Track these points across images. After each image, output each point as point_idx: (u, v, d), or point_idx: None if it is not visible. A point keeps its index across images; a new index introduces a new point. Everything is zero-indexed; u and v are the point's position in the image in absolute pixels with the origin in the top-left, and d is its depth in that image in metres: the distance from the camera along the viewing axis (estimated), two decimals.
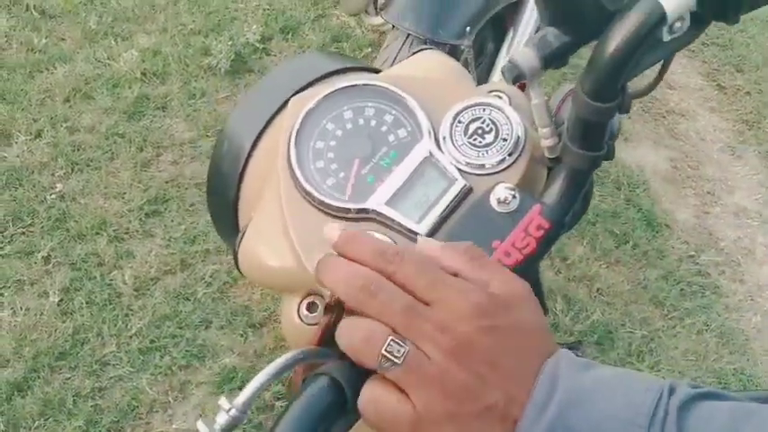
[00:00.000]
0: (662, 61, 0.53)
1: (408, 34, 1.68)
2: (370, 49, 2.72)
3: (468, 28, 1.66)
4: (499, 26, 1.86)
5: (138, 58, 2.48)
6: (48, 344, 1.76)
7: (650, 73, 0.60)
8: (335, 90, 0.65)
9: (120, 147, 2.20)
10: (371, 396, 0.46)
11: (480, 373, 0.44)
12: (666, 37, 0.49)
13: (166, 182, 2.14)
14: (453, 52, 1.86)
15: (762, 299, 2.19)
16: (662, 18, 0.47)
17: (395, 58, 1.70)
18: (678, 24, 0.49)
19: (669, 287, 2.13)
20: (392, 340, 0.44)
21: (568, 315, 1.99)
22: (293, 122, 0.63)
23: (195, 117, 2.34)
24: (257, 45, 2.62)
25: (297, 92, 0.68)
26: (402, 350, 0.44)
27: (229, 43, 2.55)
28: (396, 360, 0.44)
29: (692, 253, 2.26)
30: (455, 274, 0.47)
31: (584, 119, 0.53)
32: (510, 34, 1.85)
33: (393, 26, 1.72)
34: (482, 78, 1.91)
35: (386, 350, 0.44)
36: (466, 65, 1.86)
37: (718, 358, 2.01)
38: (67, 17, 2.63)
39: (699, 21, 0.49)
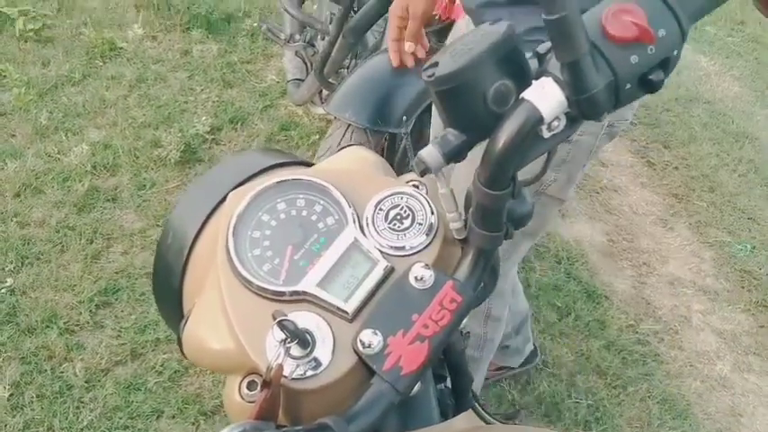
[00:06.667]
0: (547, 153, 0.61)
1: (349, 124, 1.77)
2: (317, 137, 2.83)
3: (404, 117, 1.77)
4: None
5: (89, 151, 2.54)
6: None
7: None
8: (270, 184, 0.71)
9: (70, 239, 2.23)
10: None
11: None
12: (546, 134, 0.57)
13: (116, 272, 2.16)
14: (393, 139, 1.97)
15: (701, 364, 2.28)
16: (539, 119, 0.56)
17: (337, 146, 1.79)
18: (555, 123, 0.57)
19: (611, 357, 2.21)
20: None
21: (516, 388, 2.05)
22: (231, 215, 0.70)
23: (145, 207, 2.39)
24: (206, 136, 2.71)
25: (235, 187, 0.74)
26: None
27: (179, 135, 2.63)
28: None
29: (632, 322, 2.35)
30: None
31: (483, 205, 0.61)
32: None
33: (335, 117, 1.81)
34: None
35: None
36: (405, 151, 1.97)
37: (661, 424, 2.07)
38: (18, 114, 2.69)
39: (573, 119, 0.58)
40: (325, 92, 2.65)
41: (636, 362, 2.23)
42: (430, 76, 0.58)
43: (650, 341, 2.31)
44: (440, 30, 2.28)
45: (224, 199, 0.74)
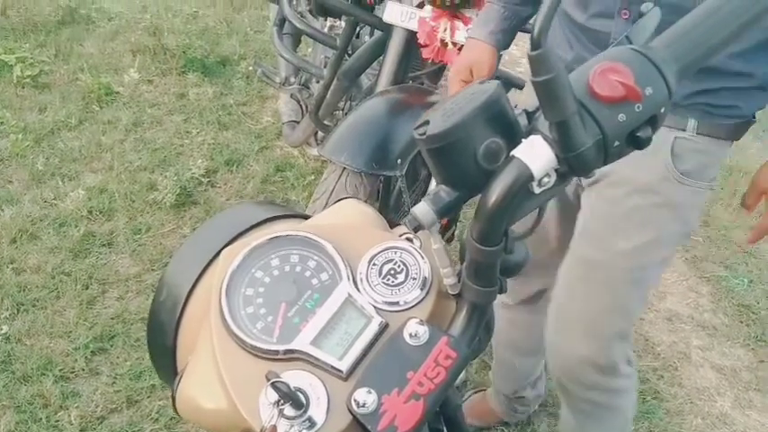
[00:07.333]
0: (538, 208, 0.62)
1: (344, 168, 1.78)
2: (313, 177, 2.84)
3: (399, 160, 1.77)
4: None
5: (85, 196, 2.54)
6: None
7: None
8: (263, 241, 0.71)
9: (65, 285, 2.22)
10: None
11: None
12: (537, 190, 0.58)
13: (112, 318, 2.15)
14: (388, 182, 1.98)
15: (701, 401, 2.26)
16: (530, 177, 0.56)
17: (332, 190, 1.79)
18: (546, 179, 0.57)
19: None
20: None
21: (515, 430, 2.02)
22: (224, 272, 0.69)
23: (140, 252, 2.39)
24: (202, 178, 2.71)
25: (228, 242, 0.74)
26: None
27: (175, 178, 2.64)
28: None
29: None
30: None
31: (476, 260, 0.61)
32: None
33: (330, 160, 1.82)
34: (417, 202, 2.02)
35: None
36: (400, 193, 1.97)
37: None
38: (15, 160, 2.70)
39: (563, 175, 0.58)
40: (320, 133, 2.67)
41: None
42: (421, 135, 0.59)
43: (650, 378, 2.29)
44: (433, 72, 2.31)
45: (217, 255, 0.74)
